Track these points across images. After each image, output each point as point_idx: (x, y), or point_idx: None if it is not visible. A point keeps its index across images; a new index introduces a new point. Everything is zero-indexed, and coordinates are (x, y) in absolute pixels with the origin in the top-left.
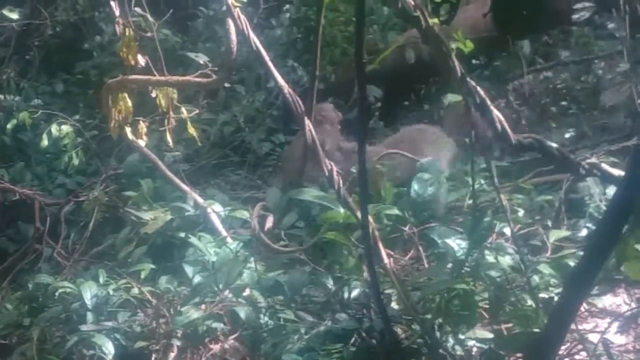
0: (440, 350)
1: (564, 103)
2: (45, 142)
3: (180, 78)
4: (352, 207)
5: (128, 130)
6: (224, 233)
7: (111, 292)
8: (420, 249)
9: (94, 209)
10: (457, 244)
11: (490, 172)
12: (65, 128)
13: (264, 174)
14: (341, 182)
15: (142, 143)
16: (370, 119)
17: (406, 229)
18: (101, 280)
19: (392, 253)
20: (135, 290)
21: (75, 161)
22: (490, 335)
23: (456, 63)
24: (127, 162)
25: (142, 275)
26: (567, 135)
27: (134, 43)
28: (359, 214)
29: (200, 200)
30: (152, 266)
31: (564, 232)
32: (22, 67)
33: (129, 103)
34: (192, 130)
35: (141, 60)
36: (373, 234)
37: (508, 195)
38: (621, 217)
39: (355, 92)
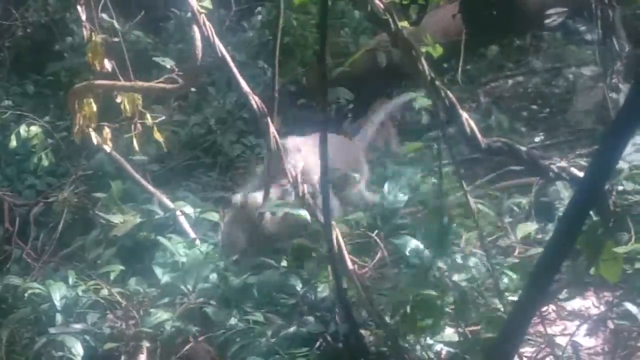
0: (405, 356)
1: (534, 107)
2: (13, 142)
3: (145, 84)
4: (316, 213)
5: (93, 135)
6: (192, 235)
7: (80, 294)
8: (386, 255)
9: (63, 210)
10: (423, 251)
11: (459, 175)
12: (34, 129)
13: (235, 175)
14: (305, 188)
15: (107, 149)
16: (343, 120)
17: (374, 234)
18: (70, 281)
19: (356, 260)
20: (105, 292)
21: (45, 162)
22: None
23: (425, 66)
24: (95, 160)
25: (112, 277)
26: (537, 139)
27: (100, 48)
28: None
29: (167, 202)
30: (122, 267)
31: (531, 227)
32: None
33: (94, 108)
34: (158, 135)
35: (107, 65)
36: (338, 240)
37: (477, 197)
38: (579, 216)
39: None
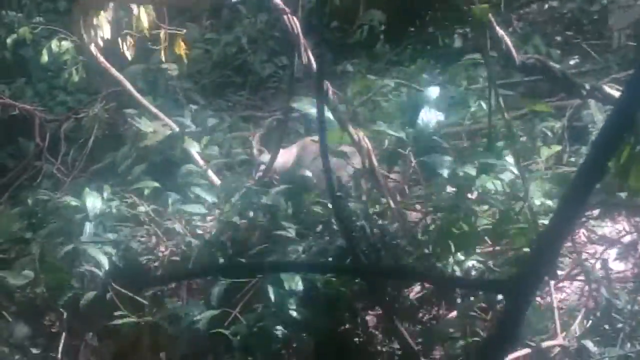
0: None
1: (569, 33)
2: (45, 57)
3: None
4: (348, 126)
5: (120, 42)
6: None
7: (114, 208)
8: (419, 171)
9: (93, 126)
10: (459, 170)
11: (496, 94)
12: (66, 44)
13: (265, 95)
14: (337, 102)
15: (128, 57)
16: (375, 43)
17: (406, 152)
18: (105, 195)
19: (388, 174)
20: (140, 208)
21: (75, 77)
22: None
23: None
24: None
25: (145, 192)
26: (571, 62)
27: None
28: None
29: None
30: (155, 184)
31: (555, 148)
32: None
33: (104, 17)
34: (180, 49)
35: None
36: (369, 155)
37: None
38: (615, 136)
39: (360, 16)
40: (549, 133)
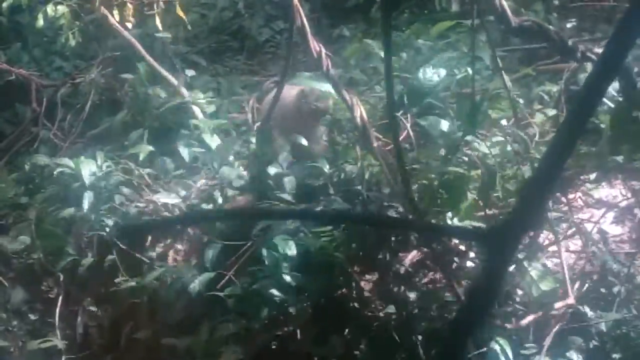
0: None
1: None
2: (40, 22)
3: None
4: (341, 89)
5: (115, 12)
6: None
7: (109, 173)
8: (412, 134)
9: (90, 92)
10: (451, 130)
11: (493, 53)
12: (62, 8)
13: (262, 60)
14: (330, 64)
15: (129, 25)
16: (372, 7)
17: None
18: (99, 161)
19: (380, 136)
20: (135, 172)
21: (72, 42)
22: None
23: None
24: (122, 41)
25: (141, 157)
26: (568, 25)
27: None
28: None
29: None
30: (151, 148)
31: (550, 112)
32: None
33: None
34: (180, 13)
35: None
36: (362, 117)
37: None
38: (597, 90)
39: None
40: (546, 97)
